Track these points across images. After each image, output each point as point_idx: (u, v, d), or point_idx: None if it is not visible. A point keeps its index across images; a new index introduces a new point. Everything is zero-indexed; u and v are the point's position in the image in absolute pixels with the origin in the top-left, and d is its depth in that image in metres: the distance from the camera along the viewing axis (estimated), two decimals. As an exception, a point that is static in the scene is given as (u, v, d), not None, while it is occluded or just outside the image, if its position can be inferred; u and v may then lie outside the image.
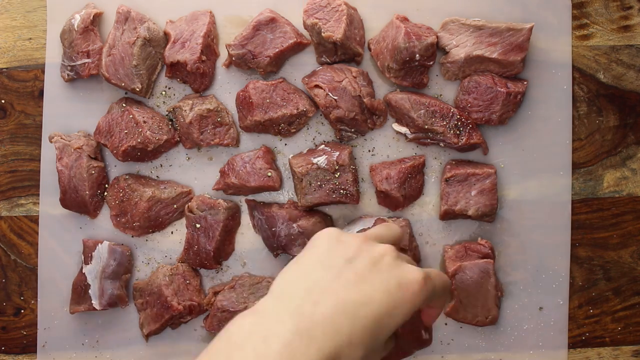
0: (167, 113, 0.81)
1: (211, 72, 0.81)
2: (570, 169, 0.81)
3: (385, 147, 0.81)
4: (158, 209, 0.79)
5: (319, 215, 0.79)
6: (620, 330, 0.82)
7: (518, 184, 0.81)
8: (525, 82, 0.79)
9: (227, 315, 0.77)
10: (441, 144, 0.79)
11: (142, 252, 0.82)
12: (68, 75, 0.80)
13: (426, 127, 0.77)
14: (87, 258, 0.79)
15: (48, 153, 0.81)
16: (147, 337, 0.80)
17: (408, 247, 0.78)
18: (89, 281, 0.79)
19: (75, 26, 0.78)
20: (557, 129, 0.81)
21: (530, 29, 0.76)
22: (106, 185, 0.81)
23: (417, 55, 0.75)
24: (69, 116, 0.81)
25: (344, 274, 0.58)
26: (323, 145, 0.79)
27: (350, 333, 0.54)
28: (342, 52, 0.78)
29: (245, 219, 0.82)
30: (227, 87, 0.81)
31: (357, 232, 0.77)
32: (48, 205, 0.81)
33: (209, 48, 0.79)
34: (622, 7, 0.81)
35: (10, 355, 0.82)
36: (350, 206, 0.81)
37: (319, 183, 0.77)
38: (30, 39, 0.82)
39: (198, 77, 0.79)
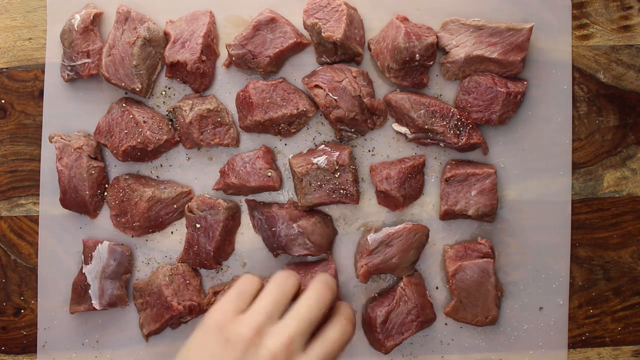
0: (167, 113, 0.81)
1: (211, 72, 0.81)
2: (570, 169, 0.81)
3: (385, 147, 0.81)
4: (158, 209, 0.79)
5: (319, 215, 0.79)
6: (620, 330, 0.82)
7: (518, 184, 0.81)
8: (525, 82, 0.79)
9: None
10: (441, 144, 0.79)
11: (142, 252, 0.82)
12: (68, 75, 0.80)
13: (426, 127, 0.77)
14: (87, 258, 0.79)
15: (48, 153, 0.81)
16: (147, 337, 0.80)
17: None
18: (89, 281, 0.79)
19: (75, 26, 0.78)
20: (557, 129, 0.81)
21: (530, 29, 0.76)
22: (106, 185, 0.81)
23: (417, 55, 0.75)
24: (69, 116, 0.81)
25: None
26: (323, 145, 0.79)
27: None
28: (342, 52, 0.78)
29: (245, 219, 0.82)
30: (227, 87, 0.81)
31: (380, 238, 0.77)
32: (48, 205, 0.81)
33: (209, 48, 0.79)
34: (622, 7, 0.81)
35: (10, 355, 0.82)
36: (350, 206, 0.81)
37: (319, 183, 0.77)
38: (30, 39, 0.82)
39: (198, 77, 0.79)
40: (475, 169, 0.78)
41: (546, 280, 0.81)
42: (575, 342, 0.82)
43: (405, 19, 0.78)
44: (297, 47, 0.79)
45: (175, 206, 0.80)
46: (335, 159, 0.77)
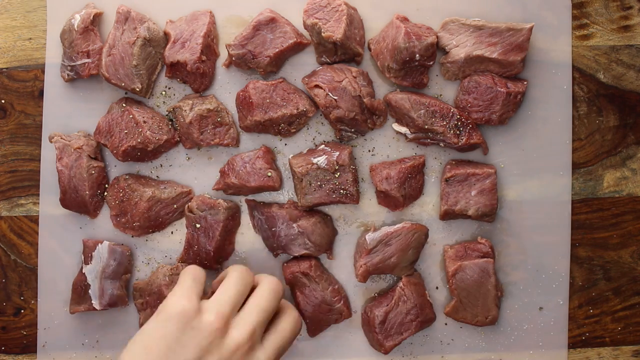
0: (167, 113, 0.81)
1: (211, 72, 0.81)
2: (570, 169, 0.81)
3: (385, 147, 0.81)
4: (158, 209, 0.79)
5: (319, 215, 0.79)
6: (620, 330, 0.82)
7: (518, 184, 0.81)
8: (525, 82, 0.79)
9: None
10: (441, 144, 0.79)
11: (142, 252, 0.82)
12: (68, 75, 0.80)
13: (426, 127, 0.77)
14: (87, 258, 0.79)
15: (48, 153, 0.81)
16: None
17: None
18: (89, 281, 0.79)
19: (75, 26, 0.78)
20: (557, 129, 0.81)
21: (530, 29, 0.76)
22: (106, 185, 0.81)
23: (417, 55, 0.75)
24: (69, 116, 0.81)
25: None
26: (323, 145, 0.79)
27: None
28: (342, 52, 0.78)
29: (245, 219, 0.82)
30: (227, 87, 0.81)
31: (379, 238, 0.77)
32: (48, 205, 0.81)
33: (209, 48, 0.79)
34: (622, 7, 0.81)
35: (10, 355, 0.82)
36: (350, 206, 0.81)
37: (319, 183, 0.77)
38: (30, 39, 0.82)
39: (198, 77, 0.79)
40: (475, 169, 0.78)
41: (546, 280, 0.81)
42: (575, 342, 0.82)
43: (405, 19, 0.78)
44: (297, 47, 0.79)
45: (175, 206, 0.80)
46: (335, 159, 0.77)
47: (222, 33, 0.81)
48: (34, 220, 0.82)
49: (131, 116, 0.78)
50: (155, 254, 0.82)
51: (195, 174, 0.82)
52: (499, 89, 0.77)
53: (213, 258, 0.79)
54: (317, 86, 0.77)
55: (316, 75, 0.78)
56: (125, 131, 0.78)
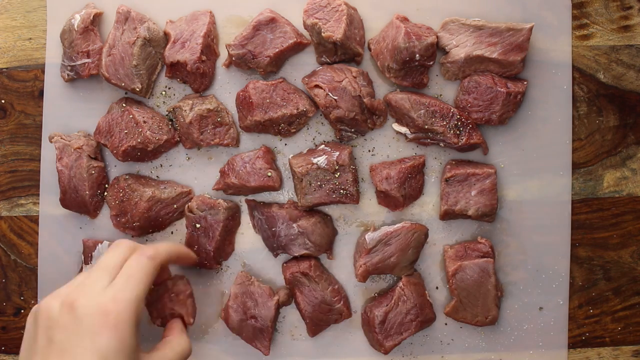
0: (167, 113, 0.81)
1: (211, 72, 0.81)
2: (570, 169, 0.81)
3: (385, 147, 0.81)
4: (158, 209, 0.79)
5: (319, 215, 0.79)
6: (620, 330, 0.82)
7: (518, 184, 0.81)
8: (525, 82, 0.79)
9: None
10: (441, 144, 0.79)
11: (142, 252, 0.82)
12: (68, 75, 0.80)
13: (426, 127, 0.77)
14: (87, 258, 0.79)
15: (48, 153, 0.81)
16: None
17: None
18: (89, 281, 0.79)
19: (75, 26, 0.78)
20: (557, 129, 0.81)
21: (530, 29, 0.76)
22: (106, 185, 0.81)
23: (417, 55, 0.75)
24: (69, 116, 0.81)
25: (50, 357, 0.60)
26: (323, 145, 0.79)
27: None
28: (342, 52, 0.78)
29: (245, 219, 0.82)
30: (227, 87, 0.81)
31: (378, 237, 0.77)
32: (48, 205, 0.81)
33: (209, 48, 0.79)
34: (622, 7, 0.81)
35: (10, 355, 0.82)
36: (350, 206, 0.81)
37: (319, 183, 0.77)
38: (30, 39, 0.82)
39: (198, 77, 0.79)
40: (475, 169, 0.78)
41: (546, 280, 0.81)
42: (575, 342, 0.82)
43: (405, 19, 0.78)
44: (297, 47, 0.79)
45: (175, 206, 0.80)
46: (335, 159, 0.77)
47: (222, 33, 0.81)
48: (34, 220, 0.82)
49: (131, 116, 0.78)
50: (155, 254, 0.81)
51: (195, 174, 0.82)
52: (499, 89, 0.77)
53: (213, 258, 0.79)
54: (317, 86, 0.77)
55: (316, 75, 0.78)
56: (125, 131, 0.78)
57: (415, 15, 0.80)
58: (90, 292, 0.63)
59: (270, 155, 0.80)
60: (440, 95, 0.81)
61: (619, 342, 0.82)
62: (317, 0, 0.77)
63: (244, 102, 0.79)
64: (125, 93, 0.81)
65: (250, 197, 0.81)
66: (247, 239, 0.82)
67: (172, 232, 0.82)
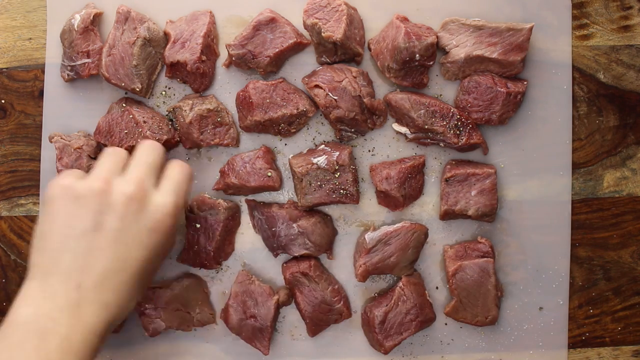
0: (167, 113, 0.81)
1: (211, 72, 0.81)
2: (570, 169, 0.81)
3: (385, 147, 0.81)
4: (158, 209, 0.79)
5: (319, 215, 0.79)
6: (620, 330, 0.82)
7: (518, 184, 0.81)
8: (525, 82, 0.79)
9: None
10: (441, 144, 0.79)
11: (142, 252, 0.82)
12: (68, 75, 0.80)
13: (426, 127, 0.77)
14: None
15: (48, 153, 0.81)
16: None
17: None
18: (89, 281, 0.79)
19: (75, 26, 0.78)
20: (557, 129, 0.81)
21: (530, 29, 0.76)
22: (106, 185, 0.81)
23: (417, 55, 0.75)
24: (69, 116, 0.81)
25: (95, 243, 0.60)
26: (323, 145, 0.79)
27: (118, 297, 0.59)
28: (342, 52, 0.78)
29: (245, 219, 0.82)
30: (227, 87, 0.81)
31: (378, 237, 0.77)
32: (48, 205, 0.81)
33: (209, 48, 0.79)
34: (622, 7, 0.81)
35: (10, 355, 0.82)
36: (350, 206, 0.81)
37: (319, 183, 0.77)
38: (30, 39, 0.82)
39: (198, 77, 0.79)
40: (475, 169, 0.78)
41: (546, 280, 0.81)
42: (575, 342, 0.82)
43: (405, 19, 0.78)
44: (297, 47, 0.79)
45: (175, 206, 0.80)
46: (335, 159, 0.77)
47: (222, 33, 0.81)
48: (34, 220, 0.82)
49: (131, 116, 0.78)
50: (155, 254, 0.81)
51: (195, 174, 0.82)
52: (499, 89, 0.77)
53: (213, 258, 0.79)
54: (317, 86, 0.77)
55: (316, 75, 0.78)
56: (125, 131, 0.78)
57: (415, 15, 0.80)
58: (149, 190, 0.66)
59: (270, 155, 0.80)
60: (440, 95, 0.81)
61: (619, 342, 0.82)
62: (317, 0, 0.77)
63: (244, 102, 0.79)
64: (125, 93, 0.82)
65: (250, 197, 0.82)
66: (247, 239, 0.82)
67: (172, 232, 0.82)
